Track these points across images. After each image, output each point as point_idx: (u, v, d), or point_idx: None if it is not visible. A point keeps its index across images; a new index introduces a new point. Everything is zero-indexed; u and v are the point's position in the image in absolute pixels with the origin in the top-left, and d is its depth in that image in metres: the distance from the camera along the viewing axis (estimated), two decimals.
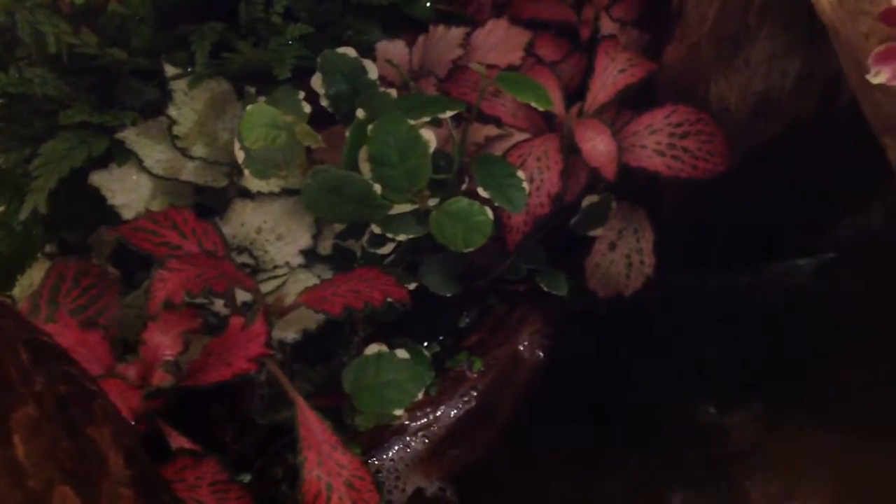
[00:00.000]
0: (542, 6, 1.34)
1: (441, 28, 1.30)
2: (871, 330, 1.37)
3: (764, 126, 1.32)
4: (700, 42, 1.22)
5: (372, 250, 1.09)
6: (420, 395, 1.13)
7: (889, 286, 1.40)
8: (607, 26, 1.32)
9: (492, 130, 1.18)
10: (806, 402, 1.35)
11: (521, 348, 1.37)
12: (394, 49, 1.30)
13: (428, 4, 1.26)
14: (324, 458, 1.01)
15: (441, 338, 1.36)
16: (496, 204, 1.05)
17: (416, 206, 1.03)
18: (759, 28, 1.19)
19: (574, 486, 1.32)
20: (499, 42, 1.29)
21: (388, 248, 1.09)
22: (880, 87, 0.93)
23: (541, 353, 1.39)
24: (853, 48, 0.93)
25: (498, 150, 1.17)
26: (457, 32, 1.29)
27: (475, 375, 1.31)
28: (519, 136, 1.19)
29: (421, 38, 1.31)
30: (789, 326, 1.41)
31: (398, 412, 1.10)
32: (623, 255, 1.33)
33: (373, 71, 1.10)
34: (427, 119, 1.02)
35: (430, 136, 1.01)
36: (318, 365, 1.23)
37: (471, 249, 1.01)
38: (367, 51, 1.27)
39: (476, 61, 1.29)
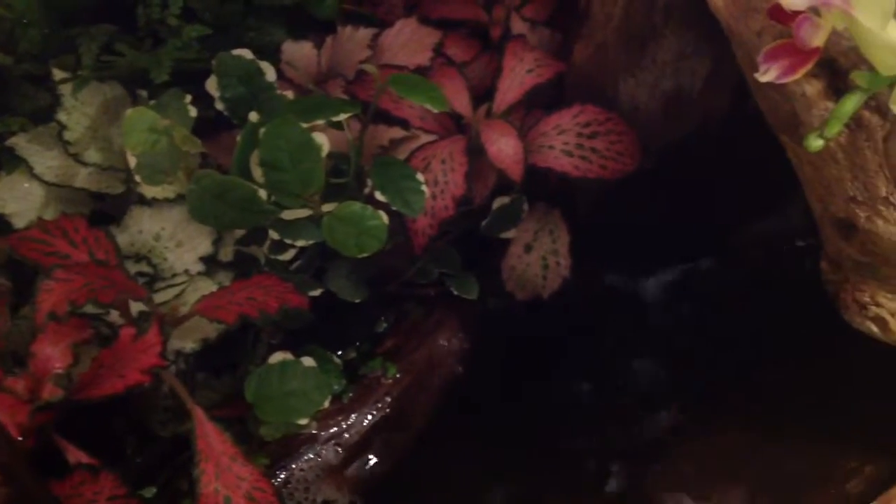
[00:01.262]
0: (453, 6, 1.32)
1: (349, 29, 1.28)
2: (784, 329, 1.36)
3: (675, 125, 1.31)
4: (607, 42, 1.21)
5: (273, 256, 1.06)
6: (326, 404, 1.10)
7: (803, 286, 1.40)
8: (518, 26, 1.31)
9: (397, 133, 1.16)
10: (721, 401, 1.34)
11: (438, 353, 1.35)
12: (300, 50, 1.27)
13: (334, 5, 1.22)
14: (222, 471, 0.98)
15: (358, 344, 1.33)
16: (393, 207, 1.03)
17: (311, 212, 1.00)
18: (664, 27, 1.18)
19: (490, 493, 1.30)
20: (407, 42, 1.27)
21: (289, 255, 1.06)
22: (776, 86, 0.92)
23: (458, 357, 1.37)
24: (747, 46, 0.92)
25: (403, 152, 1.15)
26: (365, 33, 1.27)
27: (390, 381, 1.29)
28: (425, 139, 1.17)
29: (329, 40, 1.29)
30: (704, 326, 1.41)
31: (303, 421, 1.08)
32: (539, 256, 1.32)
33: (270, 73, 1.08)
34: (321, 122, 0.99)
35: (322, 139, 0.98)
36: (225, 374, 1.21)
37: (365, 255, 0.99)
38: (273, 53, 1.25)
39: (385, 62, 1.27)
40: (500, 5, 1.35)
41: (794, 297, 1.39)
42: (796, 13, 0.77)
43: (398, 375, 1.29)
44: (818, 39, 0.78)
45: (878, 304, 0.97)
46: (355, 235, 0.97)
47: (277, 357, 1.10)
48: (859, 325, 0.99)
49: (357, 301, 1.19)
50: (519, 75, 1.19)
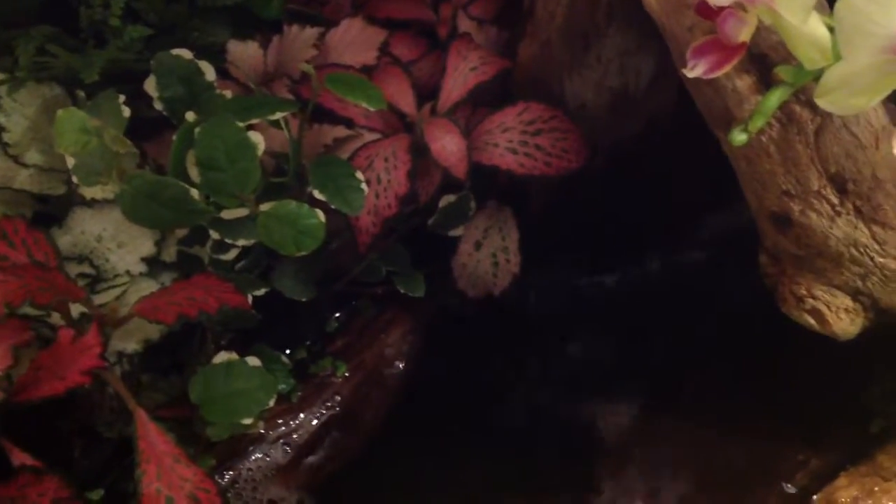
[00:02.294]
0: (399, 5, 1.32)
1: (295, 28, 1.28)
2: (734, 325, 1.37)
3: (623, 123, 1.32)
4: (551, 40, 1.21)
5: (216, 256, 1.06)
6: (271, 404, 1.10)
7: (754, 282, 1.41)
8: (465, 24, 1.31)
9: (341, 131, 1.16)
10: (669, 398, 1.35)
11: (390, 351, 1.35)
12: (246, 50, 1.27)
13: (280, 5, 1.22)
14: (164, 472, 0.98)
15: (309, 343, 1.33)
16: (332, 206, 1.03)
17: (249, 211, 1.00)
18: (607, 25, 1.19)
19: (442, 490, 1.30)
20: (354, 41, 1.27)
21: (232, 254, 1.06)
22: (709, 81, 0.93)
23: (411, 355, 1.37)
24: (679, 42, 0.92)
25: (347, 151, 1.15)
26: (311, 32, 1.27)
27: (339, 380, 1.29)
28: (369, 137, 1.17)
29: (275, 39, 1.29)
30: (654, 323, 1.41)
31: (247, 421, 1.08)
32: (489, 254, 1.32)
33: (209, 73, 1.07)
34: (256, 121, 0.99)
35: (258, 138, 0.98)
36: (172, 375, 1.20)
37: (303, 253, 0.99)
38: (218, 53, 1.24)
39: (331, 61, 1.27)
40: (447, 4, 1.35)
41: (744, 292, 1.40)
42: (721, 9, 0.78)
43: (348, 374, 1.29)
44: (744, 35, 0.79)
45: (814, 297, 0.98)
46: (292, 234, 0.97)
47: (222, 357, 1.09)
48: (797, 318, 1.00)
49: (304, 300, 1.19)
50: (463, 73, 1.20)
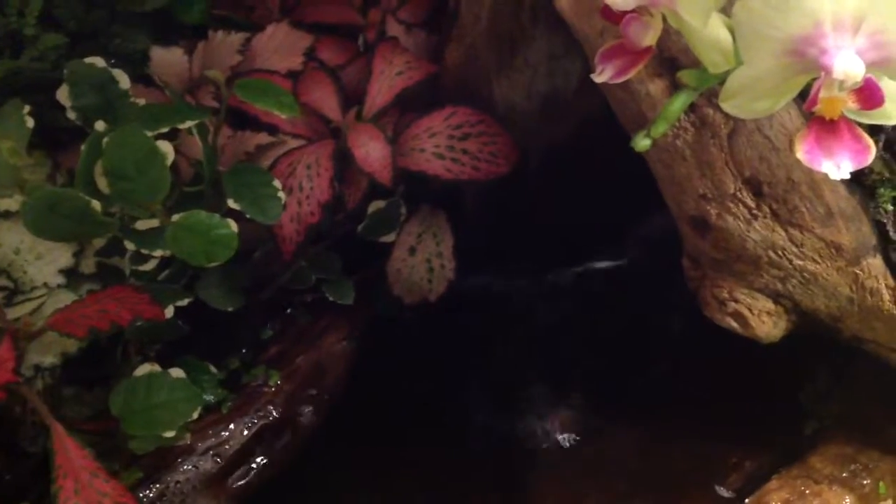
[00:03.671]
0: (328, 9, 1.31)
1: (220, 34, 1.26)
2: (670, 328, 1.37)
3: (555, 126, 1.31)
4: (476, 43, 1.20)
5: (135, 267, 1.04)
6: (195, 415, 1.08)
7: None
8: (393, 29, 1.30)
9: (263, 138, 1.14)
10: (607, 401, 1.34)
11: (325, 358, 1.34)
12: (170, 56, 1.25)
13: (203, 10, 1.20)
14: (82, 487, 0.96)
15: (244, 351, 1.31)
16: (248, 216, 1.01)
17: (159, 221, 0.98)
18: (533, 28, 1.18)
19: (378, 498, 1.29)
20: (280, 47, 1.26)
21: (150, 265, 1.04)
22: (623, 85, 0.92)
23: (346, 362, 1.36)
24: (591, 46, 0.92)
25: (269, 158, 1.14)
26: (236, 38, 1.25)
27: (273, 389, 1.27)
28: (293, 144, 1.15)
29: (200, 45, 1.27)
30: (590, 326, 1.41)
31: (169, 434, 1.06)
32: (424, 259, 1.31)
33: (123, 81, 1.05)
34: (165, 129, 0.97)
35: (167, 148, 0.96)
36: (98, 387, 1.18)
37: (216, 264, 0.97)
38: (141, 60, 1.23)
39: (257, 67, 1.25)
40: (376, 8, 1.33)
41: (681, 294, 1.39)
42: (625, 13, 0.77)
43: (281, 383, 1.27)
44: (649, 39, 0.78)
45: (736, 300, 0.97)
46: (202, 245, 0.95)
47: (144, 369, 1.08)
48: (720, 321, 0.99)
49: (230, 309, 1.17)
50: (389, 78, 1.18)
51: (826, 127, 0.68)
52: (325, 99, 1.17)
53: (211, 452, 1.21)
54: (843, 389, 1.25)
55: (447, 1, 1.28)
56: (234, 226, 0.96)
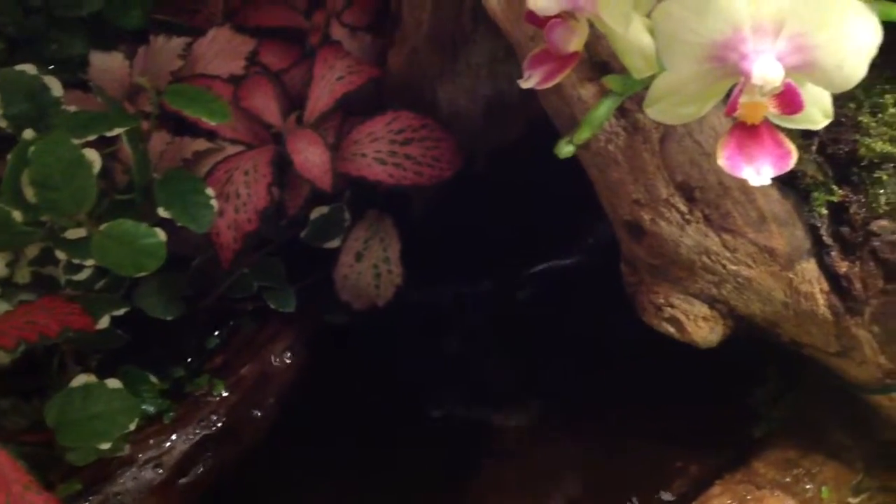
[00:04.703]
0: (271, 13, 1.30)
1: (161, 38, 1.25)
2: (618, 333, 1.36)
3: (501, 130, 1.30)
4: (419, 47, 1.19)
5: (69, 277, 1.03)
6: (132, 427, 1.07)
7: None
8: (337, 32, 1.29)
9: (201, 144, 1.13)
10: (556, 406, 1.34)
11: (272, 366, 1.33)
12: (110, 62, 1.24)
13: (141, 15, 1.19)
14: (14, 499, 0.95)
15: (189, 360, 1.30)
16: (179, 224, 1.00)
17: (86, 231, 0.97)
18: (474, 31, 1.17)
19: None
20: (221, 51, 1.24)
21: (84, 274, 1.02)
22: (555, 90, 0.92)
23: (294, 369, 1.35)
24: (523, 51, 0.91)
25: (208, 164, 1.12)
26: (177, 42, 1.24)
27: (217, 399, 1.26)
28: (232, 150, 1.14)
29: (142, 50, 1.26)
30: (542, 330, 1.40)
31: (105, 446, 1.04)
32: (370, 265, 1.30)
33: (56, 88, 1.04)
34: (93, 137, 0.96)
35: (94, 156, 0.95)
36: (36, 398, 1.16)
37: (144, 273, 0.96)
38: (79, 65, 1.21)
39: (199, 72, 1.24)
40: (320, 11, 1.32)
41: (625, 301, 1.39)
42: (548, 18, 0.76)
43: (226, 392, 1.26)
44: (575, 44, 0.77)
45: (672, 306, 0.97)
46: (129, 254, 0.94)
47: (80, 380, 1.06)
48: (657, 327, 0.99)
49: (169, 318, 1.15)
50: (329, 83, 1.17)
51: (747, 132, 0.67)
52: (266, 104, 1.16)
53: (152, 463, 1.20)
54: (793, 393, 1.24)
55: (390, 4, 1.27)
56: (161, 235, 0.95)
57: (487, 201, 1.40)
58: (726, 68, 0.67)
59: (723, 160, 0.69)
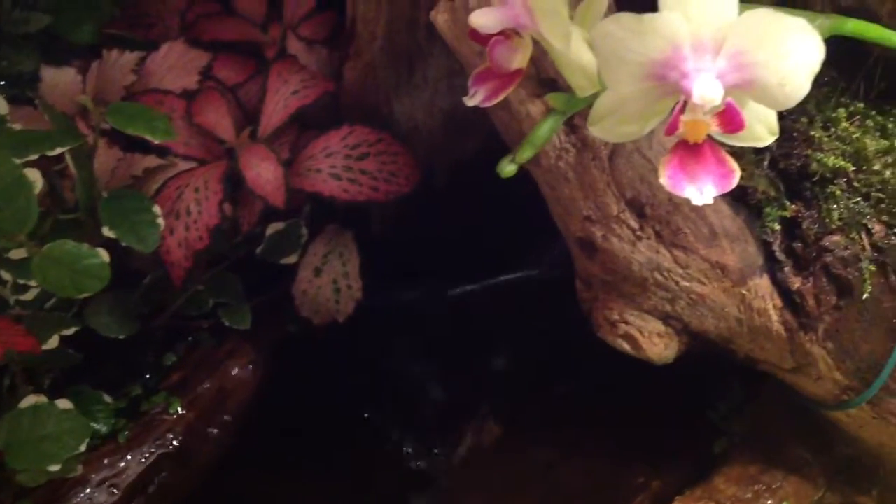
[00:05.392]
0: (226, 26, 1.28)
1: (115, 53, 1.23)
2: (580, 347, 1.35)
3: (460, 143, 1.29)
4: (374, 61, 1.18)
5: (16, 297, 1.01)
6: (83, 448, 1.05)
7: None
8: (294, 46, 1.27)
9: (152, 161, 1.11)
10: (517, 419, 1.33)
11: (230, 383, 1.31)
12: (63, 77, 1.22)
13: (93, 30, 1.17)
14: None
15: (147, 377, 1.28)
16: (124, 244, 0.98)
17: (28, 252, 0.95)
18: (430, 45, 1.16)
19: None
20: (175, 65, 1.23)
21: (31, 294, 1.01)
22: (504, 106, 0.91)
23: (252, 386, 1.33)
24: (471, 67, 0.90)
25: (158, 182, 1.11)
26: (130, 57, 1.22)
27: (173, 417, 1.24)
28: (184, 166, 1.12)
29: (95, 65, 1.24)
30: (507, 341, 1.39)
31: (55, 468, 1.02)
32: (330, 280, 1.29)
33: (1, 106, 1.02)
34: (35, 157, 0.94)
35: (35, 175, 0.93)
36: None
37: (86, 295, 0.94)
38: (31, 81, 1.19)
39: (153, 86, 1.22)
40: (277, 24, 1.31)
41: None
42: (491, 35, 0.75)
43: (183, 410, 1.24)
44: (518, 61, 0.76)
45: (626, 322, 0.96)
46: (70, 276, 0.92)
47: (30, 400, 1.04)
48: (612, 343, 0.98)
49: (122, 337, 1.14)
50: (284, 97, 1.16)
51: (690, 151, 0.66)
52: (219, 119, 1.14)
53: (107, 483, 1.18)
54: (754, 406, 1.24)
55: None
56: (104, 256, 0.93)
57: (448, 215, 1.38)
58: (667, 87, 0.67)
59: (665, 179, 0.68)
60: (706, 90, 0.64)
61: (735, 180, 0.67)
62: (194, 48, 1.24)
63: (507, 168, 0.72)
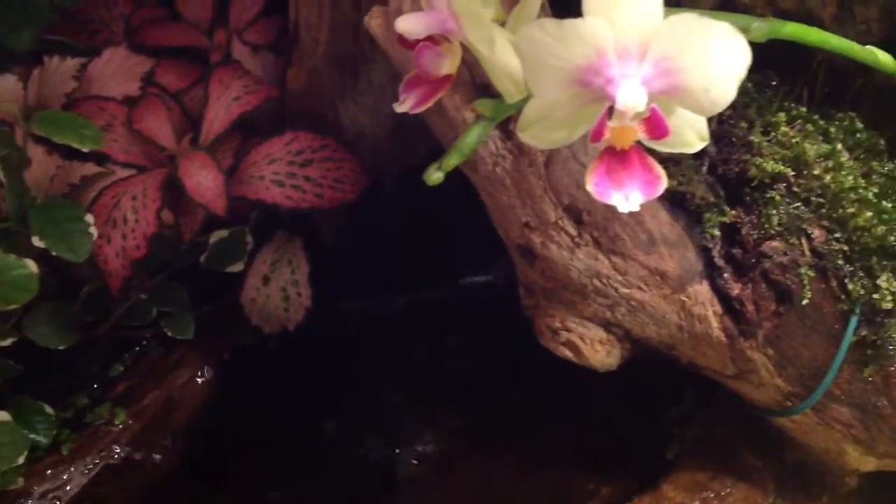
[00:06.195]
0: (171, 32, 1.26)
1: (56, 59, 1.21)
2: (527, 354, 1.34)
3: (409, 149, 1.27)
4: (318, 66, 1.17)
5: None
6: (20, 460, 1.03)
7: None
8: (239, 51, 1.26)
9: (90, 169, 1.09)
10: (470, 428, 1.31)
11: (178, 393, 1.29)
12: (4, 84, 1.20)
13: (32, 36, 1.15)
14: None
15: (95, 387, 1.26)
16: (54, 253, 0.96)
17: None
18: (374, 51, 1.15)
19: None
20: (117, 72, 1.21)
21: None
22: (440, 113, 0.89)
23: (202, 396, 1.31)
24: (406, 73, 0.88)
25: (96, 190, 1.09)
26: (72, 63, 1.20)
27: (118, 428, 1.22)
28: (123, 174, 1.10)
29: (36, 72, 1.22)
30: (459, 349, 1.38)
31: None
32: (279, 288, 1.27)
33: None
34: None
35: None
36: None
37: (14, 307, 0.92)
38: None
39: (94, 93, 1.20)
40: (222, 29, 1.29)
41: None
42: (418, 41, 0.74)
43: (129, 421, 1.22)
44: (446, 67, 0.75)
45: (568, 329, 0.95)
46: None
47: None
48: (555, 351, 0.97)
49: (61, 348, 1.12)
50: (225, 104, 1.14)
51: (617, 158, 0.65)
52: (160, 126, 1.12)
53: (49, 496, 1.16)
54: (707, 413, 1.23)
55: None
56: (32, 266, 0.91)
57: (400, 222, 1.37)
58: (593, 93, 0.66)
59: (591, 186, 0.67)
60: (630, 96, 0.63)
61: (662, 187, 0.66)
62: (137, 54, 1.22)
63: (434, 176, 0.70)
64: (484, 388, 1.34)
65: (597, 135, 0.66)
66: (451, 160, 0.71)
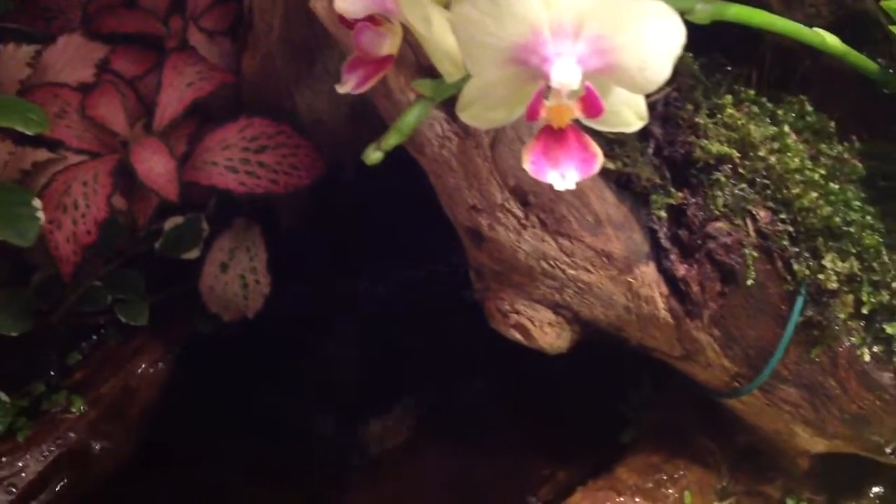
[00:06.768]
0: (124, 19, 1.26)
1: (10, 47, 1.20)
2: (486, 341, 1.35)
3: (366, 135, 1.26)
4: (272, 52, 1.16)
5: None
6: None
7: None
8: (195, 37, 1.25)
9: (42, 155, 1.09)
10: (429, 413, 1.32)
11: (136, 381, 1.29)
12: None
13: None
14: None
15: (53, 375, 1.26)
16: (1, 238, 0.96)
17: None
18: (328, 36, 1.14)
19: None
20: (72, 58, 1.20)
21: None
22: (385, 94, 0.89)
23: (160, 383, 1.31)
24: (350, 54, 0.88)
25: (48, 175, 1.08)
26: (26, 51, 1.20)
27: (74, 416, 1.22)
28: (76, 160, 1.10)
29: None
30: (413, 338, 1.38)
31: None
32: (237, 275, 1.27)
33: None
34: None
35: None
36: None
37: None
38: None
39: (49, 80, 1.20)
40: (179, 15, 1.29)
41: None
42: (357, 20, 0.74)
43: (85, 408, 1.22)
44: (387, 48, 0.75)
45: (517, 312, 0.95)
46: None
47: None
48: (505, 333, 0.97)
49: (14, 334, 1.11)
50: (179, 89, 1.14)
51: (554, 136, 0.66)
52: (113, 112, 1.12)
53: (5, 482, 1.16)
54: (664, 396, 1.24)
55: None
56: None
57: (358, 209, 1.37)
58: (529, 71, 0.66)
59: (528, 164, 0.67)
60: (564, 74, 0.63)
61: (598, 165, 0.66)
62: (92, 41, 1.21)
63: (373, 156, 0.71)
64: (441, 375, 1.34)
65: (532, 112, 0.66)
66: (391, 140, 0.71)
